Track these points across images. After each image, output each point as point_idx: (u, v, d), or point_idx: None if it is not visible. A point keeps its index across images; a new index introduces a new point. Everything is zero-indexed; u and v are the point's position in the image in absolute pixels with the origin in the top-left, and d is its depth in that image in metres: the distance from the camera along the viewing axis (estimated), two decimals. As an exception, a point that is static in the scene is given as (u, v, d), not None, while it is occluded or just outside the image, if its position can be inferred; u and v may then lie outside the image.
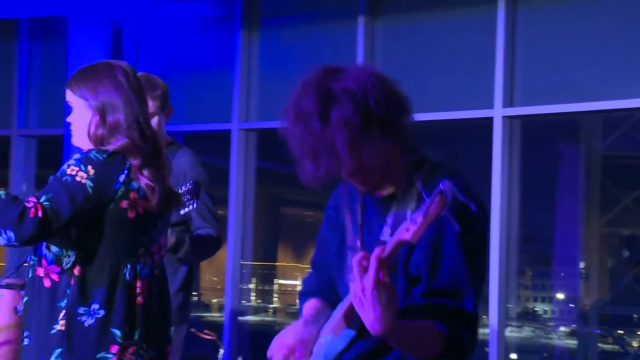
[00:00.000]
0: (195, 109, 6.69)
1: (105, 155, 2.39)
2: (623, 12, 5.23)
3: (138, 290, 2.41)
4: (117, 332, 2.36)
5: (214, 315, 7.28)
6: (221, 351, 4.01)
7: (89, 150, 2.41)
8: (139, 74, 3.73)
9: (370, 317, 1.78)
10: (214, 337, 4.33)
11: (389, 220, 2.01)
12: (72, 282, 2.34)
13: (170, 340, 2.51)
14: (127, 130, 2.43)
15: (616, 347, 6.50)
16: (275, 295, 12.72)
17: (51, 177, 2.38)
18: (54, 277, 2.36)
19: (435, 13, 5.97)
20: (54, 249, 2.36)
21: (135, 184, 2.40)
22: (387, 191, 2.07)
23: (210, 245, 3.56)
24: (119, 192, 2.38)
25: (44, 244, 2.35)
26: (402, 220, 1.84)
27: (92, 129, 2.45)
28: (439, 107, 5.73)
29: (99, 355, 2.33)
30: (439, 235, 1.95)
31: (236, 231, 6.44)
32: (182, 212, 3.32)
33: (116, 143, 2.41)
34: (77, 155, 2.39)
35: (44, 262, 2.37)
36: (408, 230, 1.78)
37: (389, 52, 5.98)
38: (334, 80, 1.94)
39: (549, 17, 5.53)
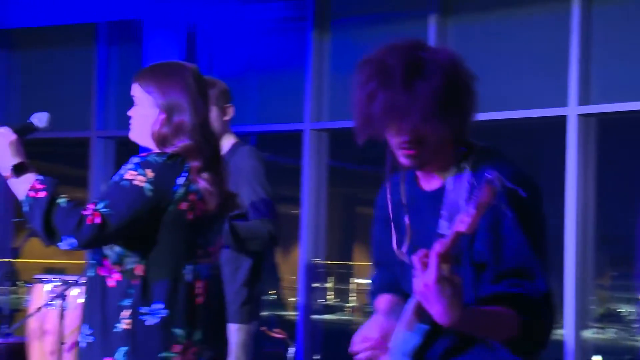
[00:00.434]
0: (267, 109, 6.75)
1: (164, 158, 2.41)
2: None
3: (198, 291, 2.43)
4: (179, 332, 2.39)
5: (292, 314, 7.30)
6: (290, 350, 4.03)
7: (148, 154, 2.43)
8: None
9: (437, 311, 1.81)
10: (284, 336, 4.36)
11: (444, 213, 2.02)
12: (134, 282, 2.37)
13: (227, 340, 2.54)
14: (191, 132, 2.44)
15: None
16: (352, 294, 12.74)
17: (110, 182, 2.42)
18: (117, 277, 2.39)
19: (507, 11, 5.91)
20: (116, 249, 2.39)
21: (194, 187, 2.41)
22: (435, 185, 2.09)
23: (247, 234, 3.50)
24: (178, 195, 2.39)
25: None
26: (457, 211, 1.87)
27: (157, 127, 2.46)
28: (511, 106, 5.67)
29: (162, 355, 2.35)
30: (496, 220, 1.96)
31: (309, 230, 6.47)
32: None
33: (179, 144, 2.43)
34: (135, 159, 2.41)
35: (107, 262, 2.40)
36: (463, 222, 1.80)
37: (461, 51, 5.88)
38: (425, 51, 1.99)
39: (626, 11, 5.42)
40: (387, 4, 6.40)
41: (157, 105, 2.47)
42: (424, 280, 1.79)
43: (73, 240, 2.31)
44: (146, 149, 2.52)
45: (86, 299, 2.45)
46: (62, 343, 4.39)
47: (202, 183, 2.42)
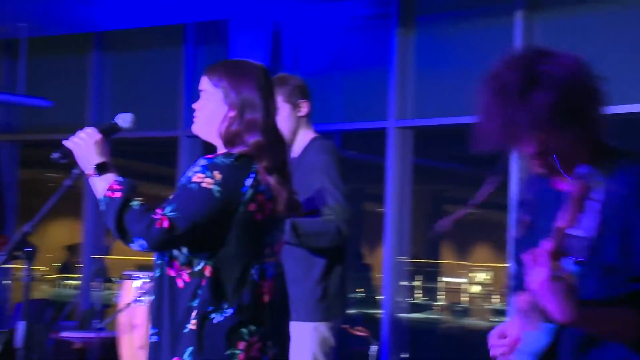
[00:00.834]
0: (352, 107, 6.75)
1: (232, 159, 2.40)
2: None
3: (264, 290, 2.44)
4: (244, 330, 2.38)
5: (379, 312, 7.28)
6: (373, 348, 4.02)
7: (216, 156, 2.42)
8: (275, 76, 3.81)
9: (552, 308, 1.83)
10: (367, 334, 4.34)
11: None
12: (203, 283, 2.37)
13: (290, 337, 2.54)
14: (263, 129, 2.43)
15: None
16: (440, 292, 12.64)
17: (178, 185, 2.42)
18: (186, 278, 2.39)
19: (596, 4, 5.78)
20: (185, 250, 2.40)
21: (262, 187, 2.40)
22: (567, 186, 2.08)
23: (325, 228, 3.47)
24: (247, 196, 2.38)
25: None
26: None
27: (227, 124, 2.44)
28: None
29: (227, 352, 2.35)
30: (627, 224, 1.96)
31: (393, 228, 6.45)
32: None
33: (249, 140, 2.41)
34: (203, 161, 2.40)
35: (176, 263, 2.40)
36: (563, 218, 1.82)
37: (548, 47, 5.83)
38: (542, 62, 1.98)
39: None
40: (473, 0, 6.34)
41: (228, 102, 2.45)
42: (536, 277, 1.82)
43: (143, 242, 2.33)
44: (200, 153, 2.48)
45: (154, 299, 2.46)
46: (150, 338, 4.47)
47: (271, 183, 2.41)
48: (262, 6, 6.64)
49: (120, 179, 2.42)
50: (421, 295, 12.18)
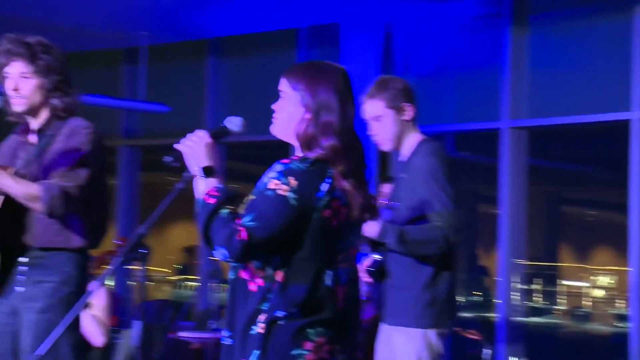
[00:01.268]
0: (464, 108, 6.69)
1: (307, 164, 2.38)
2: None
3: (338, 296, 2.41)
4: (311, 331, 2.36)
5: (495, 316, 7.18)
6: (485, 351, 3.95)
7: (292, 161, 2.40)
8: (376, 79, 3.77)
9: None
10: (479, 337, 4.28)
11: None
12: (274, 287, 2.37)
13: (360, 345, 2.50)
14: (338, 132, 2.40)
15: None
16: (561, 296, 12.34)
17: (255, 191, 2.41)
18: (259, 281, 2.39)
19: None
20: (259, 254, 2.40)
21: (337, 192, 2.38)
22: None
23: (422, 235, 3.41)
24: (322, 202, 2.36)
25: None
26: None
27: (302, 127, 2.43)
28: None
29: (293, 352, 2.34)
30: None
31: (508, 230, 6.36)
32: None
33: (325, 143, 2.39)
34: (278, 167, 2.38)
35: (250, 267, 2.40)
36: None
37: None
38: None
39: None
40: (588, -3, 6.20)
41: (304, 104, 2.44)
42: None
43: (225, 252, 2.34)
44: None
45: (228, 302, 2.46)
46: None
47: (347, 188, 2.38)
48: (373, 8, 6.65)
49: (221, 185, 2.43)
50: (541, 298, 11.93)
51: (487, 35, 6.60)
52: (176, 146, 2.55)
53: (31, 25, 3.73)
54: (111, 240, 5.63)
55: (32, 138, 3.40)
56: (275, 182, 2.36)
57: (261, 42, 7.71)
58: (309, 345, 2.36)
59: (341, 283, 2.43)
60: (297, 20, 7.15)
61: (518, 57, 6.36)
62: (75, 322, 3.33)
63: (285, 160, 2.40)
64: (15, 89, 3.32)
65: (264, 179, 2.40)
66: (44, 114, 3.36)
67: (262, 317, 2.37)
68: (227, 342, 2.45)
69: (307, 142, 2.43)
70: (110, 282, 7.64)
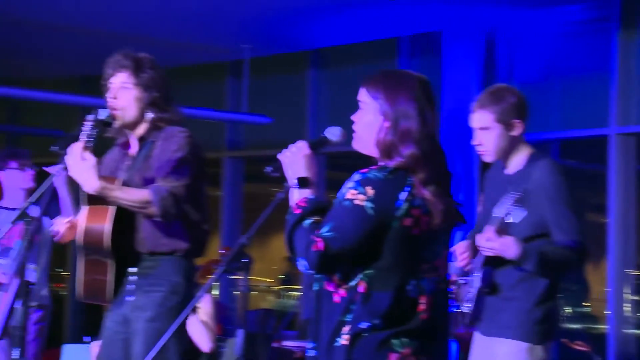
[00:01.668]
0: (570, 115, 6.55)
1: (385, 173, 2.36)
2: None
3: (423, 307, 2.37)
4: (396, 341, 2.33)
5: (604, 327, 7.00)
6: (596, 363, 3.84)
7: (370, 170, 2.39)
8: (492, 86, 3.70)
9: None
10: (587, 349, 4.18)
11: None
12: (357, 298, 2.35)
13: (448, 356, 2.46)
14: (418, 140, 2.38)
15: None
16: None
17: (334, 202, 2.40)
18: (342, 292, 2.38)
19: None
20: (343, 265, 2.39)
21: (418, 201, 2.35)
22: None
23: (563, 258, 3.37)
24: (402, 210, 2.34)
25: None
26: None
27: (381, 136, 2.42)
28: None
29: None
30: None
31: (617, 239, 6.18)
32: (507, 219, 3.26)
33: (404, 152, 2.37)
34: (356, 177, 2.38)
35: (334, 278, 2.40)
36: None
37: None
38: None
39: None
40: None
41: (383, 113, 2.42)
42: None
43: (305, 263, 2.35)
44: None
45: (312, 314, 2.46)
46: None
47: (427, 196, 2.35)
48: (475, 16, 6.58)
49: (312, 196, 2.44)
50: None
51: (594, 40, 6.44)
52: (279, 156, 2.58)
53: (138, 40, 3.82)
54: (215, 249, 5.72)
55: (133, 150, 3.48)
56: (352, 192, 2.36)
57: (361, 52, 7.71)
58: (394, 356, 2.34)
59: (426, 293, 2.39)
60: (399, 29, 7.13)
61: (627, 62, 6.19)
62: (183, 330, 3.40)
63: (363, 170, 2.39)
64: (114, 98, 3.41)
65: (343, 189, 2.39)
66: (143, 127, 3.43)
67: (346, 328, 2.36)
68: (312, 353, 2.45)
69: (387, 151, 2.42)
70: (215, 291, 7.75)
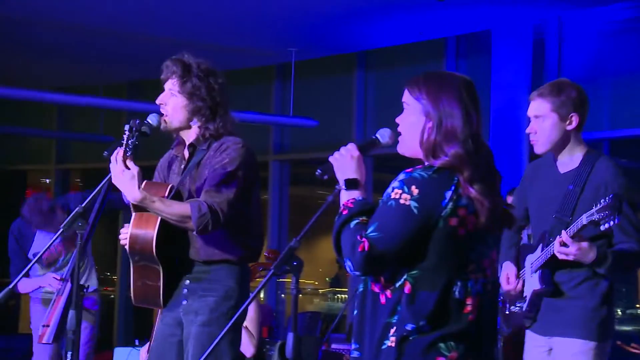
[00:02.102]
0: (620, 114, 6.47)
1: (430, 172, 2.34)
2: None
3: (469, 308, 2.34)
4: (442, 345, 2.30)
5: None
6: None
7: (414, 169, 2.37)
8: (554, 80, 3.67)
9: None
10: (642, 351, 4.11)
11: None
12: (402, 300, 2.33)
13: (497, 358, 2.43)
14: (462, 139, 2.35)
15: None
16: None
17: (379, 202, 2.38)
18: (388, 293, 2.36)
19: None
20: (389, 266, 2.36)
21: (464, 200, 2.32)
22: None
23: (633, 260, 3.40)
24: (447, 210, 2.31)
25: None
26: None
27: (426, 135, 2.40)
28: None
29: None
30: None
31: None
32: (602, 228, 3.21)
33: (449, 151, 2.34)
34: (401, 176, 2.36)
35: (381, 279, 2.37)
36: None
37: None
38: None
39: None
40: None
41: (426, 113, 2.41)
42: None
43: (350, 264, 2.33)
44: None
45: (357, 314, 2.44)
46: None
47: (473, 195, 2.31)
48: (523, 15, 6.52)
49: (360, 198, 2.43)
50: None
51: (644, 38, 6.37)
52: (330, 158, 2.58)
53: (185, 45, 3.84)
54: (263, 253, 5.73)
55: (186, 153, 3.50)
56: (397, 192, 2.34)
57: (408, 53, 7.69)
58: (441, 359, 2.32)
59: (473, 294, 2.36)
60: (447, 29, 7.10)
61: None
62: (238, 335, 3.41)
63: (408, 170, 2.37)
64: (161, 103, 3.44)
65: (388, 189, 2.38)
66: (194, 132, 3.45)
67: (392, 330, 2.34)
68: (355, 354, 2.43)
69: (431, 150, 2.39)
70: (261, 295, 7.78)
